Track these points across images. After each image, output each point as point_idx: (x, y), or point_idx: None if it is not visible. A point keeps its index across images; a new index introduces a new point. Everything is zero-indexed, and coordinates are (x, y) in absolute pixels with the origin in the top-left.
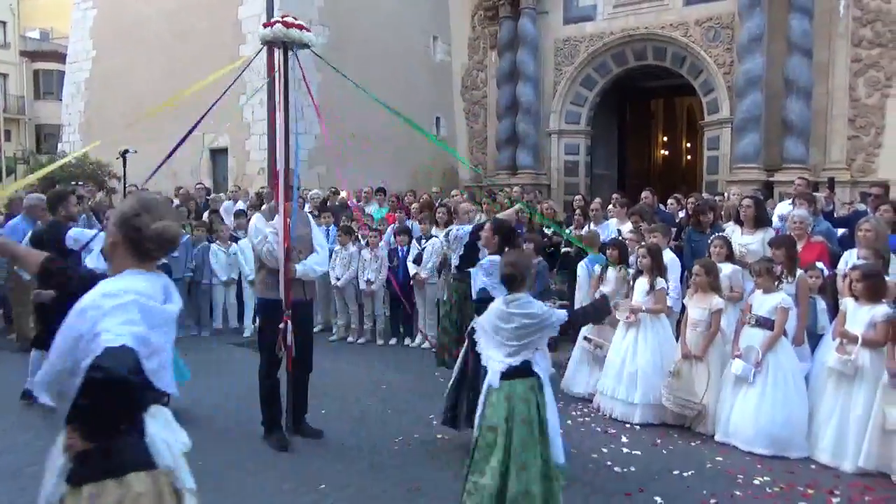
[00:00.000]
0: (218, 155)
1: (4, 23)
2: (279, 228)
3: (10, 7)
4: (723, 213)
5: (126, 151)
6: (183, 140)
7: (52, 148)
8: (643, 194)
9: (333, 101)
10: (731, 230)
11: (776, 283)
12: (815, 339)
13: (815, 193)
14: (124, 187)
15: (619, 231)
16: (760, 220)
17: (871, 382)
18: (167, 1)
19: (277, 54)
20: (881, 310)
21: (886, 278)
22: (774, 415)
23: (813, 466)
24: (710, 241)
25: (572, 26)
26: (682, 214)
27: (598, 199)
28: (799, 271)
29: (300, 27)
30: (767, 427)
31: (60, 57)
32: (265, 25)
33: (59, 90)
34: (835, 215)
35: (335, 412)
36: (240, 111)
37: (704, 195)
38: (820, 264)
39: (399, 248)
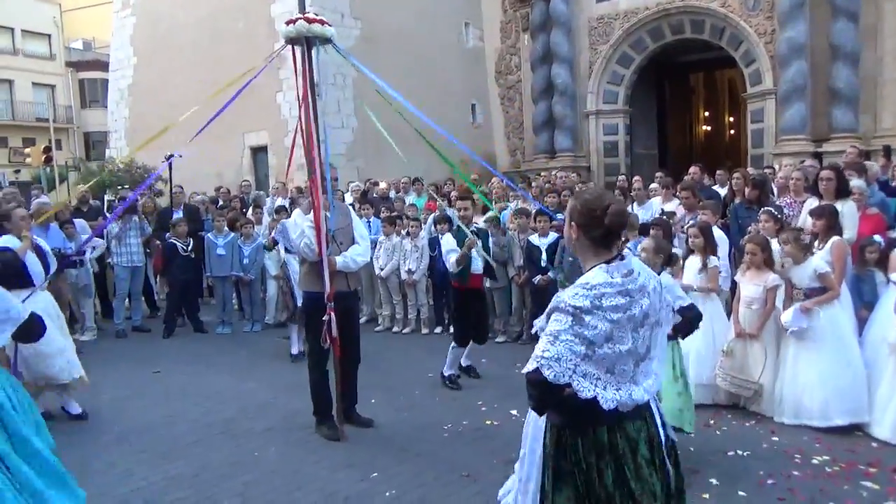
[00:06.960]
0: (259, 153)
1: (49, 35)
2: (315, 222)
3: (53, 20)
4: (775, 186)
5: (171, 156)
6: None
7: (100, 155)
8: (691, 170)
9: (370, 93)
10: (810, 203)
11: (805, 253)
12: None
13: (866, 162)
14: (170, 190)
15: (662, 210)
16: (841, 191)
17: None
18: (201, 6)
19: (301, 50)
20: None
21: None
22: (837, 381)
23: (874, 444)
24: (758, 216)
25: (605, 3)
26: (724, 191)
27: (637, 178)
28: (835, 237)
29: (322, 22)
30: (831, 396)
31: (104, 66)
32: (287, 23)
33: (104, 98)
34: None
35: (384, 401)
36: (277, 108)
37: (750, 170)
38: (878, 237)
39: (439, 236)
